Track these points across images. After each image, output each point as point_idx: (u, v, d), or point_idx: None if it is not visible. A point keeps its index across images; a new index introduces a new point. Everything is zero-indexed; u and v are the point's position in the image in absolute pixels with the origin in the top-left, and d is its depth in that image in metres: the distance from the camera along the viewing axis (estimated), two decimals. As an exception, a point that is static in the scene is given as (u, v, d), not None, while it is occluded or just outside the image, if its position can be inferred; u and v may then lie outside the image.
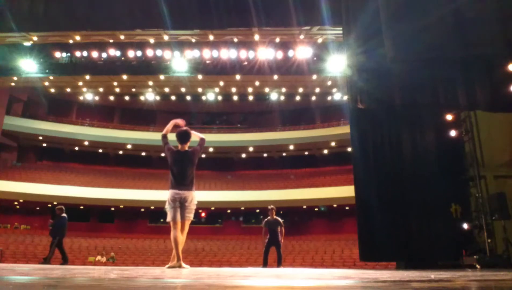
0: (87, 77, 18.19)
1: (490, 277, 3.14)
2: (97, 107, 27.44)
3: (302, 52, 15.77)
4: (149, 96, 22.26)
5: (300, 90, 21.19)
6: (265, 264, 8.88)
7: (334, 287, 1.94)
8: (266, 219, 9.10)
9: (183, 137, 5.16)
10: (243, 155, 28.25)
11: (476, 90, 7.20)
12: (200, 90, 20.91)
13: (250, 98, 22.61)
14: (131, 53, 16.40)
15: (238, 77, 17.83)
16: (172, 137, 5.24)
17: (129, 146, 27.03)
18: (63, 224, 9.82)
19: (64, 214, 9.94)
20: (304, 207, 24.33)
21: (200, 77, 18.16)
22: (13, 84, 19.71)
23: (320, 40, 14.59)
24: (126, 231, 25.16)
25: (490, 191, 8.73)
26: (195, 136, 5.38)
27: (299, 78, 18.54)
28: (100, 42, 15.83)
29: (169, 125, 5.38)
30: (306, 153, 27.82)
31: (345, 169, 23.07)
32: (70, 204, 23.73)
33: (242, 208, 24.86)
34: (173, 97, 22.91)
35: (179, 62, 17.16)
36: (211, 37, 14.98)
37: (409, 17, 6.77)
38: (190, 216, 5.03)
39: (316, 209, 25.03)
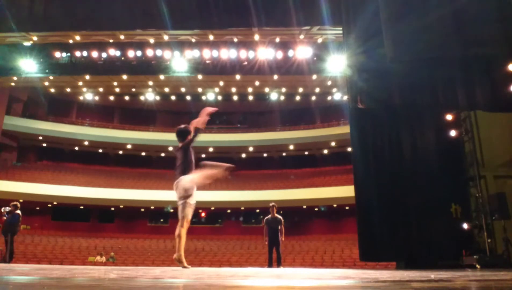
0: (87, 77, 18.17)
1: (490, 277, 3.14)
2: (97, 107, 27.43)
3: (302, 52, 15.76)
4: (149, 96, 22.25)
5: (300, 90, 21.18)
6: (270, 264, 8.91)
7: (334, 287, 1.94)
8: (266, 218, 9.12)
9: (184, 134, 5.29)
10: (243, 155, 28.23)
11: (476, 90, 7.20)
12: (200, 90, 20.89)
13: (250, 98, 22.60)
14: (131, 53, 16.38)
15: (238, 77, 17.81)
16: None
17: (129, 146, 27.01)
18: (14, 221, 9.69)
19: (18, 211, 9.79)
20: (304, 207, 24.32)
21: (200, 77, 18.14)
22: (13, 84, 19.68)
23: (320, 40, 14.57)
24: (126, 231, 25.15)
25: (490, 191, 8.73)
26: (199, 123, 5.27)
27: (299, 78, 18.52)
28: (100, 42, 15.80)
29: (205, 118, 5.20)
30: (306, 153, 27.80)
31: (345, 169, 23.06)
32: (70, 204, 23.81)
33: (242, 208, 24.85)
34: (173, 97, 22.91)
35: (179, 62, 17.15)
36: (211, 37, 14.97)
37: (409, 17, 6.77)
38: None
39: (316, 209, 25.01)
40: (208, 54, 16.18)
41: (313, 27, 12.89)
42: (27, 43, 15.56)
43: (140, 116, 28.21)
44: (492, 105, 7.41)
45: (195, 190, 4.92)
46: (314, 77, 18.08)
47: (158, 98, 22.80)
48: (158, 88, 20.75)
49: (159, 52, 16.32)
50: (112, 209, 25.40)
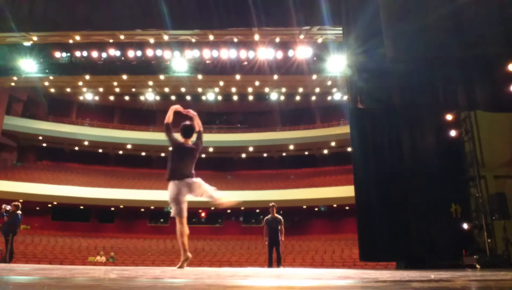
0: (87, 77, 18.18)
1: (490, 277, 3.14)
2: (97, 107, 27.43)
3: (302, 52, 15.75)
4: (149, 96, 22.25)
5: (300, 90, 21.19)
6: (270, 264, 8.92)
7: (334, 287, 1.94)
8: (265, 218, 9.13)
9: (188, 131, 5.09)
10: (243, 155, 28.23)
11: (476, 90, 7.21)
12: (200, 90, 20.90)
13: (250, 98, 22.60)
14: (131, 53, 16.37)
15: (238, 77, 17.81)
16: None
17: (129, 146, 27.01)
18: (16, 222, 9.71)
19: (19, 212, 9.78)
20: (304, 207, 24.31)
21: (200, 77, 18.14)
22: (13, 84, 19.69)
23: (320, 40, 14.58)
24: (126, 231, 25.14)
25: (490, 191, 8.72)
26: (198, 125, 5.32)
27: (299, 78, 18.52)
28: (100, 42, 15.81)
29: (170, 112, 5.24)
30: (306, 153, 27.80)
31: (345, 169, 23.05)
32: (70, 204, 23.80)
33: (242, 208, 24.82)
34: (173, 97, 22.89)
35: (179, 62, 17.15)
36: (211, 37, 14.98)
37: (409, 17, 6.77)
38: (212, 192, 4.96)
39: (316, 209, 25.01)
40: (208, 54, 16.17)
41: (313, 27, 12.90)
42: (27, 43, 15.57)
43: (140, 116, 28.20)
44: (492, 105, 7.42)
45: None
46: (314, 77, 18.08)
47: (158, 98, 22.79)
48: (158, 88, 20.76)
49: (159, 52, 16.30)
50: (112, 209, 25.39)
